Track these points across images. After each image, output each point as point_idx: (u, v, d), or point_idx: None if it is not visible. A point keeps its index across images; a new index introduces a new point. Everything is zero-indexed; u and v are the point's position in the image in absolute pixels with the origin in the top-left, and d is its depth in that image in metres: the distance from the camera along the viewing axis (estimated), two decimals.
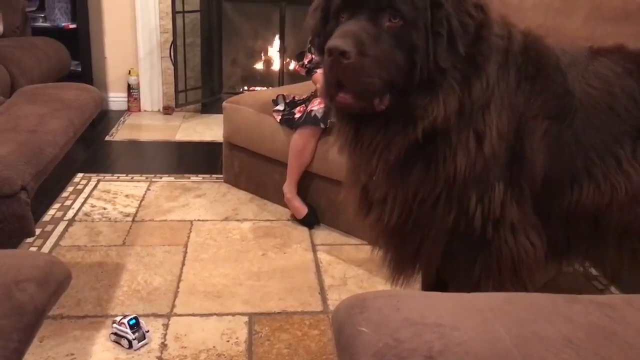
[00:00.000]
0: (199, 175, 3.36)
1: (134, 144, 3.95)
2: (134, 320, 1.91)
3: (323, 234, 2.72)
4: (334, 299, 2.23)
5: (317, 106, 2.63)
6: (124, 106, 4.60)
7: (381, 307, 0.94)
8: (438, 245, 1.56)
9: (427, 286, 1.81)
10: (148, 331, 1.95)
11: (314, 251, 2.58)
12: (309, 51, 2.75)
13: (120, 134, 4.11)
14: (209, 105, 4.63)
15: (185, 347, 1.93)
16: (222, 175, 3.29)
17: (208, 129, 4.24)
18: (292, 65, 4.40)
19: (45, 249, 2.50)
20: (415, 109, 1.39)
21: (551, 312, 0.97)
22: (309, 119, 2.64)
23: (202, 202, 3.02)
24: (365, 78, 1.33)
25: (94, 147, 3.82)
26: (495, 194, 1.48)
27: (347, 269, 2.44)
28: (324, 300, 2.22)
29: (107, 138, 4.01)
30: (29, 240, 2.51)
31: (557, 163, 1.52)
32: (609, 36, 2.21)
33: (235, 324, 2.06)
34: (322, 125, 2.62)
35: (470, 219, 1.50)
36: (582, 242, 1.62)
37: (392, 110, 1.41)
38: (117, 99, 4.60)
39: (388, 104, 1.39)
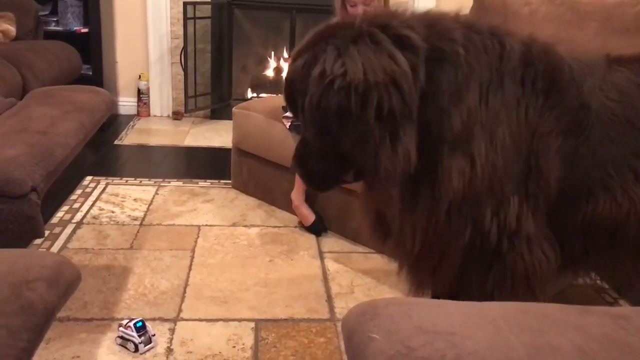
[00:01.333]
0: (207, 181, 3.36)
1: (143, 149, 3.96)
2: (140, 324, 1.90)
3: (330, 242, 2.71)
4: (341, 306, 2.21)
5: None
6: (133, 111, 4.62)
7: (393, 314, 0.93)
8: (456, 262, 1.55)
9: (437, 296, 1.80)
10: (154, 335, 1.94)
11: (322, 259, 2.57)
12: None
13: (129, 138, 4.13)
14: (218, 111, 4.63)
15: (191, 352, 1.92)
16: (230, 181, 3.29)
17: (217, 135, 4.25)
18: None
19: (53, 251, 2.50)
20: (372, 172, 1.52)
21: (564, 323, 0.96)
22: None
23: (210, 207, 3.02)
24: (309, 177, 1.67)
25: (103, 151, 3.83)
26: (511, 207, 1.48)
27: (355, 277, 2.43)
28: (331, 308, 2.21)
29: (116, 142, 4.02)
30: (37, 242, 2.51)
31: (573, 177, 1.50)
32: (620, 48, 2.20)
33: (242, 329, 2.05)
34: None
35: (487, 233, 1.50)
36: (599, 254, 1.60)
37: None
38: (127, 103, 4.62)
39: (354, 177, 1.60)
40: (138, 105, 4.60)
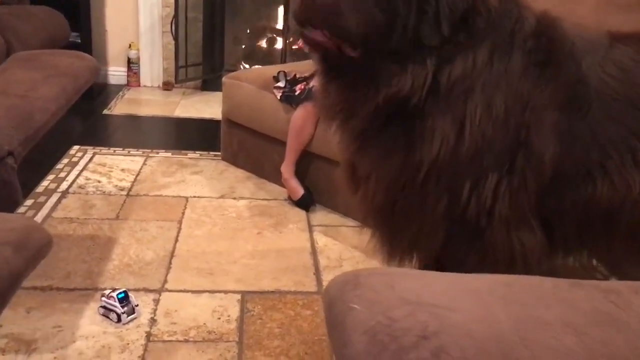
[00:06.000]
0: (197, 152, 3.31)
1: (132, 119, 3.90)
2: (122, 294, 1.87)
3: (320, 215, 2.68)
4: (329, 280, 2.17)
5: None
6: (123, 80, 4.53)
7: (375, 284, 0.90)
8: (437, 233, 1.50)
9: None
10: (137, 305, 1.91)
11: (310, 232, 2.53)
12: None
13: (118, 108, 4.06)
14: (210, 82, 4.56)
15: (175, 323, 1.89)
16: (220, 153, 3.24)
17: (207, 106, 4.18)
18: (294, 43, 4.33)
19: (37, 220, 2.46)
20: (381, 75, 1.35)
21: (552, 296, 0.93)
22: (310, 95, 2.58)
23: (199, 178, 2.98)
24: (338, 18, 1.28)
25: (91, 120, 3.77)
26: (487, 183, 1.42)
27: (343, 251, 2.40)
28: (319, 281, 2.19)
29: (105, 111, 3.95)
30: (21, 210, 2.47)
31: (570, 156, 1.43)
32: (619, 24, 2.14)
33: (228, 301, 2.02)
34: None
35: (464, 206, 1.44)
36: (592, 239, 1.56)
37: (360, 70, 1.37)
38: (116, 72, 4.54)
39: (358, 56, 1.34)
40: (128, 75, 4.52)
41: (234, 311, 1.97)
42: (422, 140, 1.39)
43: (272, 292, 2.10)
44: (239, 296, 2.06)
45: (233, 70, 4.25)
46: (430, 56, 1.33)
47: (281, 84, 2.79)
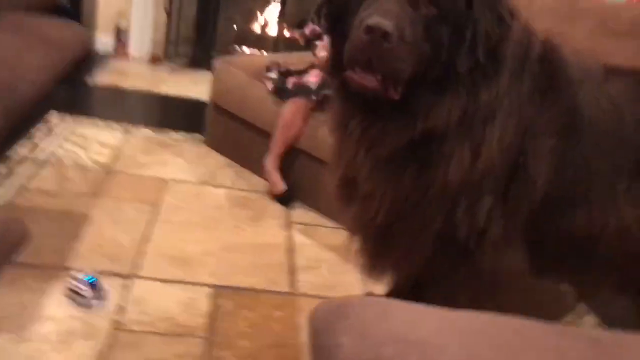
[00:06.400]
0: (179, 133, 3.23)
1: (116, 91, 3.79)
2: (92, 279, 1.82)
3: (300, 212, 2.64)
4: (304, 280, 2.16)
5: (312, 78, 2.53)
6: (110, 49, 4.40)
7: (364, 316, 0.87)
8: (426, 251, 1.49)
9: (399, 286, 1.74)
10: (106, 291, 1.86)
11: (289, 229, 2.50)
12: (312, 21, 2.63)
13: (103, 78, 3.94)
14: (199, 61, 4.46)
15: (144, 313, 1.84)
16: (203, 136, 3.17)
17: (195, 85, 4.08)
18: (288, 32, 4.26)
19: (11, 189, 2.37)
20: (419, 108, 1.31)
21: (541, 343, 0.91)
22: (302, 90, 2.54)
23: (180, 161, 2.91)
24: (400, 65, 1.24)
25: (73, 88, 3.65)
26: (481, 206, 1.41)
27: (321, 252, 2.37)
28: (293, 281, 2.16)
29: (89, 80, 3.84)
30: None
31: (559, 183, 1.44)
32: (612, 51, 2.16)
33: (199, 294, 1.98)
34: (314, 98, 2.52)
35: (456, 227, 1.43)
36: (569, 265, 1.57)
37: (396, 103, 1.32)
38: (104, 41, 4.40)
39: (400, 95, 1.30)
40: (116, 45, 4.39)
41: (205, 305, 1.93)
42: (438, 164, 1.36)
43: (245, 289, 2.06)
44: (211, 290, 2.02)
45: (224, 51, 4.17)
46: (463, 84, 1.30)
47: (273, 74, 2.73)
